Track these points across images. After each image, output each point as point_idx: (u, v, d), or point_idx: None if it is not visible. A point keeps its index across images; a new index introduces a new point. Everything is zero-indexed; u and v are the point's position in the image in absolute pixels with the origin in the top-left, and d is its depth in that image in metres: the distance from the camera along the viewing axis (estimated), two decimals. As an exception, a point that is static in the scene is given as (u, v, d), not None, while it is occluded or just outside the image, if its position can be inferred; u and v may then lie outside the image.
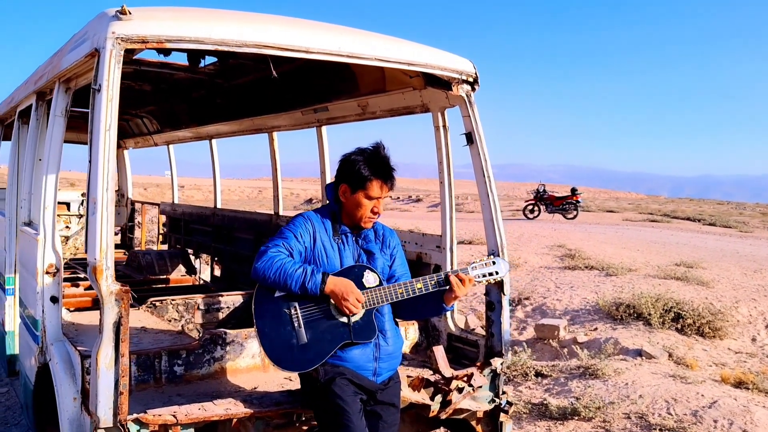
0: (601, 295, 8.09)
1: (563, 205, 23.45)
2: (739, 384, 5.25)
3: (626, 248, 12.57)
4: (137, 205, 10.62)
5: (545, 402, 4.98)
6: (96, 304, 5.45)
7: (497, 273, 3.10)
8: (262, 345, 2.89)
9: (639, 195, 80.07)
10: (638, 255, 11.64)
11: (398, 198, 48.24)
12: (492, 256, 3.12)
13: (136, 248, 10.19)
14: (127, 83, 6.84)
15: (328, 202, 3.14)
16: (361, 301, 2.84)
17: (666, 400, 4.71)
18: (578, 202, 23.51)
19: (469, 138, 4.09)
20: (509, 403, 4.09)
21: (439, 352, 3.77)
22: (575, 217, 22.93)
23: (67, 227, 10.44)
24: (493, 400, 3.98)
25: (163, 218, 10.14)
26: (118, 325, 2.75)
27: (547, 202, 23.85)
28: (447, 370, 3.69)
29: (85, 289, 6.36)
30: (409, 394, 3.51)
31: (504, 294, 3.99)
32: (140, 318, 4.46)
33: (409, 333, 4.57)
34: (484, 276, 3.07)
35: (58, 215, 10.42)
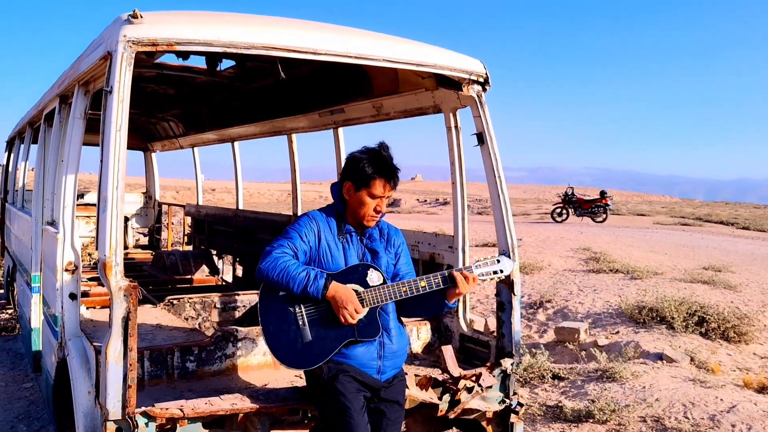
0: (624, 298, 7.99)
1: (592, 208, 23.17)
2: (762, 389, 5.14)
3: (654, 251, 12.38)
4: (164, 207, 10.82)
5: (560, 404, 4.93)
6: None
7: (502, 271, 3.09)
8: (268, 343, 2.94)
9: (673, 198, 78.65)
10: (665, 258, 11.45)
11: (426, 201, 48.25)
12: (497, 255, 3.11)
13: (163, 249, 10.39)
14: (152, 87, 7.01)
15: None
16: (360, 312, 2.87)
17: (683, 404, 4.63)
18: (607, 205, 23.20)
19: (480, 138, 4.09)
20: (520, 404, 4.07)
21: (448, 351, 3.77)
22: (604, 220, 22.63)
23: (96, 228, 10.69)
24: (503, 401, 3.97)
25: (189, 220, 10.32)
26: (126, 320, 2.81)
27: (575, 205, 23.58)
28: (455, 370, 3.70)
29: (111, 288, 6.51)
30: (416, 393, 3.53)
31: (514, 294, 3.97)
32: (157, 316, 4.56)
33: (421, 333, 4.58)
34: (488, 274, 3.07)
35: (89, 216, 10.75)
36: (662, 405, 4.63)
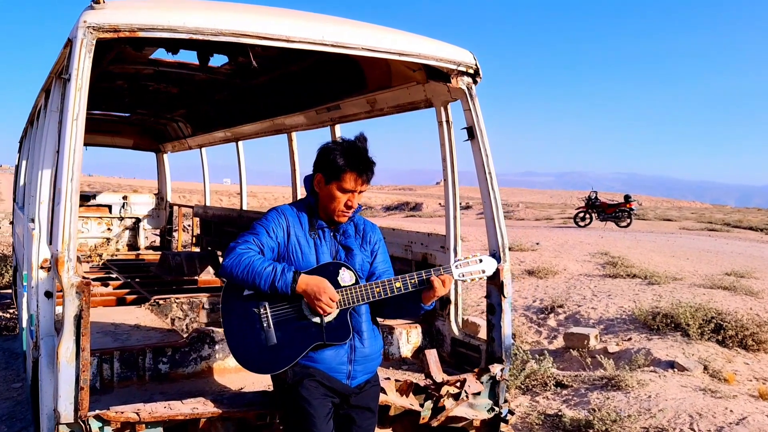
0: (639, 304, 7.69)
1: (616, 212, 22.65)
2: (778, 400, 4.83)
3: (675, 257, 11.98)
4: (175, 209, 10.78)
5: (560, 413, 4.70)
6: (120, 303, 5.52)
7: (483, 272, 2.88)
8: (230, 345, 2.77)
9: (704, 204, 77.04)
10: (686, 264, 11.06)
11: (448, 205, 47.68)
12: (479, 254, 2.90)
13: (174, 250, 10.34)
14: (153, 86, 6.93)
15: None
16: (335, 300, 2.68)
17: (690, 414, 4.36)
18: (632, 209, 22.66)
19: (470, 133, 3.91)
20: (511, 412, 3.86)
21: (431, 356, 3.58)
22: (629, 225, 22.10)
23: (108, 229, 10.68)
24: (492, 409, 3.77)
25: (198, 220, 10.26)
26: (78, 318, 2.69)
27: (599, 209, 23.08)
28: (438, 375, 3.51)
29: (114, 289, 6.45)
30: (395, 399, 3.35)
31: (504, 297, 3.77)
32: (138, 316, 4.44)
33: (411, 336, 4.39)
34: (469, 275, 2.86)
35: (100, 217, 10.72)
36: (667, 416, 4.37)
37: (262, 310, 2.71)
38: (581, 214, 23.60)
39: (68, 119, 2.78)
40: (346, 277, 2.77)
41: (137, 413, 2.77)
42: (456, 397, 3.58)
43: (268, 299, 2.71)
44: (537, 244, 13.44)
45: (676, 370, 5.61)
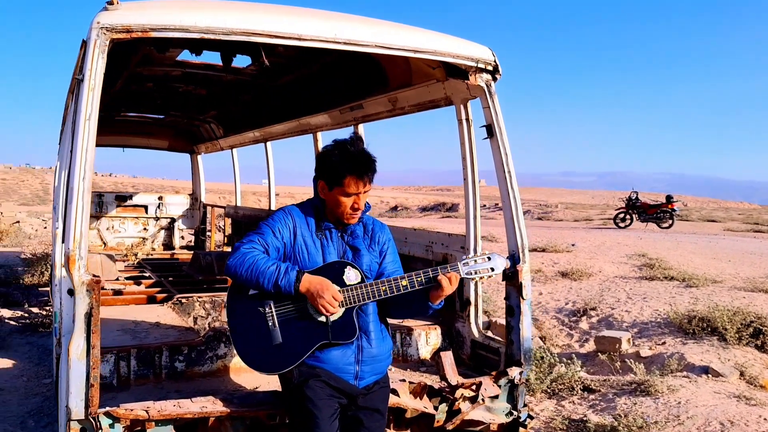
0: (675, 307, 7.45)
1: (657, 213, 22.10)
2: (818, 409, 4.61)
3: (716, 259, 11.60)
4: (209, 209, 10.93)
5: (585, 419, 4.57)
6: (150, 301, 5.60)
7: (492, 270, 2.80)
8: (235, 345, 2.77)
9: (752, 205, 74.59)
10: (728, 266, 10.69)
11: (484, 205, 47.32)
12: (488, 252, 2.83)
13: (207, 250, 10.48)
14: (183, 87, 7.03)
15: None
16: (339, 300, 2.65)
17: (721, 422, 4.19)
18: (674, 210, 22.07)
19: (489, 131, 3.84)
20: (530, 417, 3.78)
21: (447, 358, 3.52)
22: (670, 226, 21.53)
23: (144, 229, 10.89)
24: (510, 413, 3.68)
25: (229, 220, 10.37)
26: (89, 316, 2.72)
27: (639, 210, 22.55)
28: (453, 378, 3.44)
29: (146, 287, 6.55)
30: (408, 402, 3.30)
31: (523, 298, 3.68)
32: (159, 314, 4.49)
33: (431, 338, 4.34)
34: (477, 273, 2.79)
35: (137, 217, 10.94)
36: (696, 423, 4.21)
37: (267, 309, 2.70)
38: (621, 215, 23.10)
39: (81, 119, 2.81)
40: (351, 275, 2.73)
41: (146, 411, 2.79)
42: (472, 400, 3.52)
43: (274, 298, 2.69)
44: (572, 245, 13.19)
45: (710, 375, 5.41)
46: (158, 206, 10.89)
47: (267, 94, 6.48)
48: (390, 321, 4.26)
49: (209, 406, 2.88)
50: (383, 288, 2.72)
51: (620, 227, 22.29)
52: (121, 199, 10.59)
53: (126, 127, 9.89)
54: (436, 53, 3.54)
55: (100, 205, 10.30)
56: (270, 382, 3.62)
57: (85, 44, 2.95)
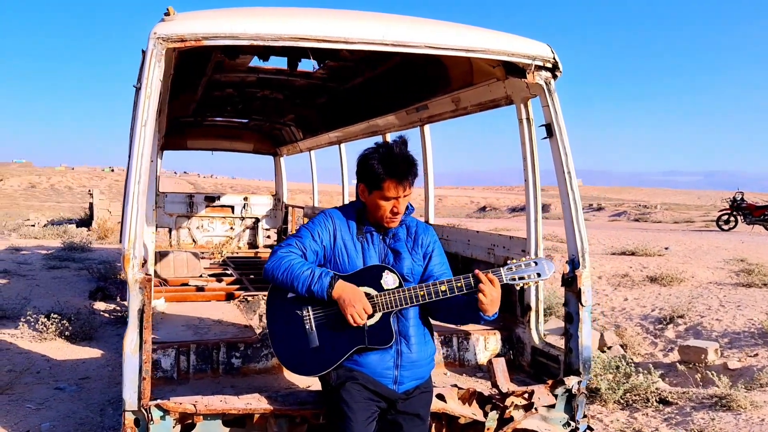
0: (772, 316, 6.92)
1: (765, 215, 20.62)
2: None
3: (829, 265, 10.66)
4: (290, 209, 11.23)
5: (657, 433, 4.33)
6: (229, 298, 5.84)
7: (539, 275, 2.69)
8: (274, 347, 2.81)
9: None
10: (841, 274, 9.80)
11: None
12: (534, 256, 2.73)
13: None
14: (261, 93, 7.26)
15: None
16: (368, 312, 2.64)
17: (809, 445, 3.85)
18: (784, 212, 20.52)
19: (549, 130, 3.71)
20: (590, 428, 3.62)
21: (499, 364, 3.43)
22: (780, 229, 20.04)
23: (231, 228, 11.32)
24: (568, 424, 3.54)
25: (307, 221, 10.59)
26: (141, 312, 2.85)
27: (745, 211, 21.10)
28: (505, 385, 3.35)
29: (227, 284, 6.82)
30: (455, 408, 3.24)
31: (582, 305, 3.54)
32: (224, 311, 4.65)
33: (490, 343, 4.24)
34: (521, 279, 2.69)
35: (224, 217, 11.40)
36: (780, 445, 3.88)
37: (305, 312, 2.73)
38: (725, 217, 21.71)
39: (137, 125, 2.95)
40: (389, 280, 2.71)
41: (194, 405, 2.89)
42: (526, 408, 3.41)
43: (311, 302, 2.72)
44: (666, 248, 12.51)
45: (804, 393, 4.97)
46: (243, 206, 11.29)
47: (338, 97, 6.58)
48: (447, 325, 4.26)
49: (254, 403, 2.95)
50: (421, 293, 2.68)
51: (723, 230, 20.95)
52: (210, 199, 11.06)
53: (214, 131, 10.36)
54: (488, 51, 3.46)
55: (190, 206, 10.81)
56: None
57: (143, 54, 3.11)
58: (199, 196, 11.06)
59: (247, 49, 4.27)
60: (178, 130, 9.78)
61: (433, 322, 2.95)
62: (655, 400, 4.97)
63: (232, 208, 11.40)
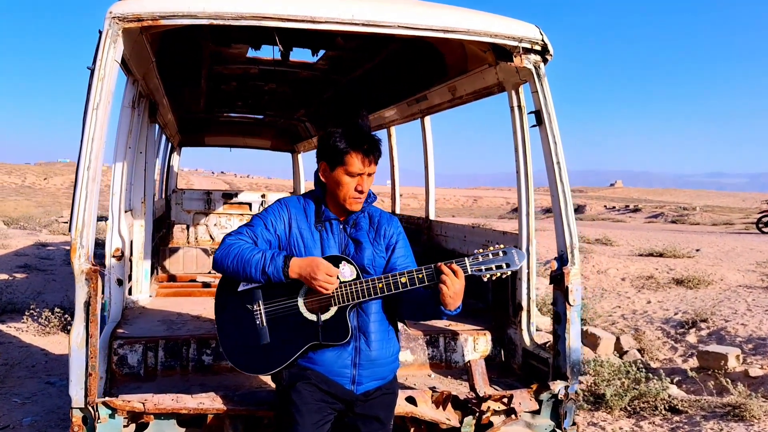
0: (802, 322, 6.50)
1: (809, 217, 19.78)
2: None
3: None
4: None
5: (661, 444, 4.03)
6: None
7: (507, 266, 2.41)
8: (221, 344, 2.62)
9: None
10: None
11: (614, 207, 44.67)
12: (503, 246, 2.47)
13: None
14: (269, 86, 7.13)
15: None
16: (334, 275, 2.42)
17: (825, 462, 3.51)
18: (830, 214, 19.64)
19: (538, 117, 3.47)
20: (579, 438, 3.36)
21: (477, 366, 3.21)
22: (824, 232, 19.18)
23: (248, 226, 11.25)
24: (554, 431, 3.29)
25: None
26: (87, 305, 2.71)
27: (788, 213, 20.31)
28: (483, 388, 3.12)
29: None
30: (426, 411, 3.03)
31: (570, 305, 3.29)
32: (207, 307, 4.50)
33: (479, 344, 4.01)
34: (488, 270, 2.42)
35: (242, 214, 11.35)
36: (792, 460, 3.56)
37: (255, 306, 2.54)
38: (765, 219, 20.91)
39: (89, 108, 2.82)
40: (346, 271, 2.50)
41: (143, 403, 2.74)
42: (507, 413, 3.17)
43: (263, 296, 2.54)
44: (697, 250, 12.03)
45: (829, 404, 4.60)
46: (261, 203, 11.21)
47: (343, 89, 6.41)
48: (434, 324, 4.04)
49: (207, 402, 2.78)
50: (380, 285, 2.46)
51: (763, 232, 20.17)
52: (227, 196, 11.01)
53: (231, 127, 10.29)
54: (469, 32, 3.23)
55: (208, 203, 10.77)
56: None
57: (99, 34, 2.98)
58: (216, 193, 11.03)
59: (206, 28, 4.12)
60: (195, 126, 9.75)
61: (423, 322, 2.72)
62: (664, 408, 4.66)
63: (250, 205, 11.32)
